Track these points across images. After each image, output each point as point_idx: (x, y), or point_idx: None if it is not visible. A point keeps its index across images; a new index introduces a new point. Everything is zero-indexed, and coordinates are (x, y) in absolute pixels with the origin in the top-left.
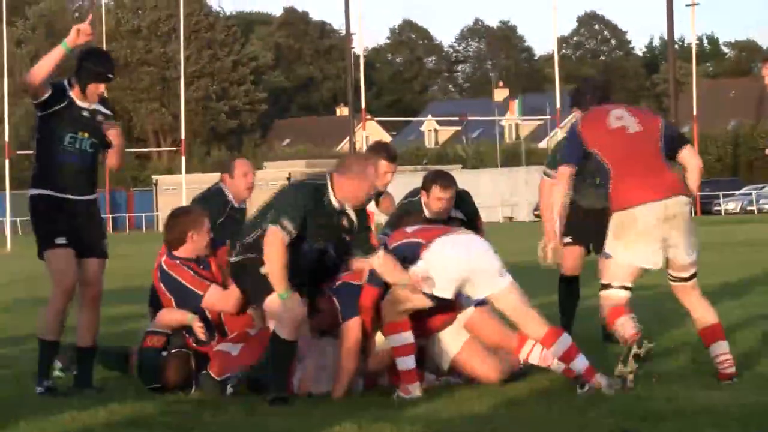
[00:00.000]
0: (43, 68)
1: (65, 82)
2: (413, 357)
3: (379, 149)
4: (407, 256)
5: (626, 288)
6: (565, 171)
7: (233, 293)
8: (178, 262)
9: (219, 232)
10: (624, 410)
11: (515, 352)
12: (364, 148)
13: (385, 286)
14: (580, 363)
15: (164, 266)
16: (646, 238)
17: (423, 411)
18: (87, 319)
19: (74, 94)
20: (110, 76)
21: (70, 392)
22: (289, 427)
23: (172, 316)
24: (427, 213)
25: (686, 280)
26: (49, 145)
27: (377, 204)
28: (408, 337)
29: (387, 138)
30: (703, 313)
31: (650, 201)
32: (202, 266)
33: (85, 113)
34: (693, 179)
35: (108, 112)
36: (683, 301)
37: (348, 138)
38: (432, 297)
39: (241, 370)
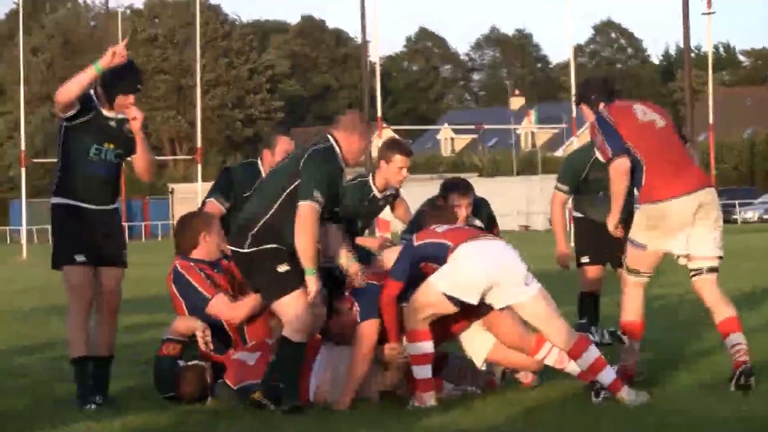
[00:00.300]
0: (73, 90)
1: (92, 93)
2: (430, 367)
3: (393, 144)
4: (433, 256)
5: (649, 276)
6: (625, 163)
7: (244, 305)
8: (191, 264)
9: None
10: (637, 421)
11: (532, 353)
12: None
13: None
14: (607, 375)
15: (178, 267)
16: (679, 230)
17: (439, 421)
18: (105, 329)
19: (101, 104)
20: (139, 87)
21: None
22: None
23: (184, 323)
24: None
25: (709, 271)
26: (74, 156)
27: (392, 209)
28: (428, 346)
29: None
30: (722, 306)
31: (683, 194)
32: (216, 270)
33: (112, 123)
34: None
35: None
36: (704, 295)
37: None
38: (456, 302)
39: (258, 379)
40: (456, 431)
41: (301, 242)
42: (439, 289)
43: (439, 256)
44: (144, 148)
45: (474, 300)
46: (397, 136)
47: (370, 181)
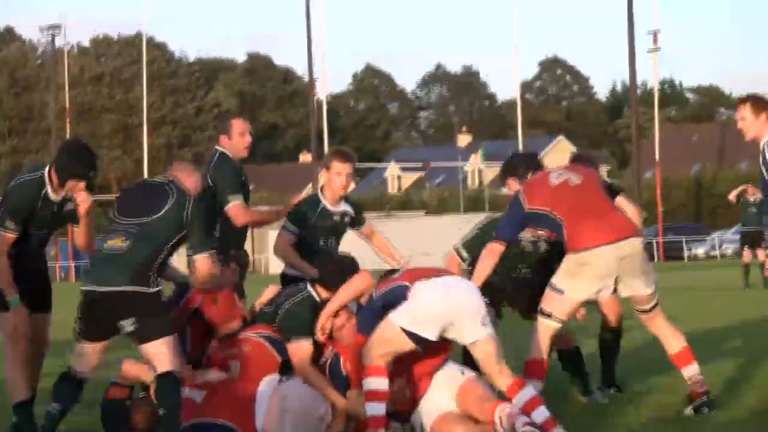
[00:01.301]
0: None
1: (45, 176)
2: (384, 404)
3: (330, 152)
4: (394, 300)
5: (563, 322)
6: (498, 248)
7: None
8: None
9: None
10: None
11: (491, 416)
12: None
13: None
14: (540, 414)
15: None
16: (599, 279)
17: None
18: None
19: (49, 187)
20: (92, 174)
21: None
22: None
23: (134, 369)
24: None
25: (650, 310)
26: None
27: (369, 239)
28: (382, 383)
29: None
30: (672, 339)
31: (604, 244)
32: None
33: (54, 208)
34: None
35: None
36: (652, 329)
37: (311, 184)
38: (415, 338)
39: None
40: None
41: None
42: (398, 324)
43: (399, 297)
44: (87, 228)
45: (432, 335)
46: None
47: (319, 195)
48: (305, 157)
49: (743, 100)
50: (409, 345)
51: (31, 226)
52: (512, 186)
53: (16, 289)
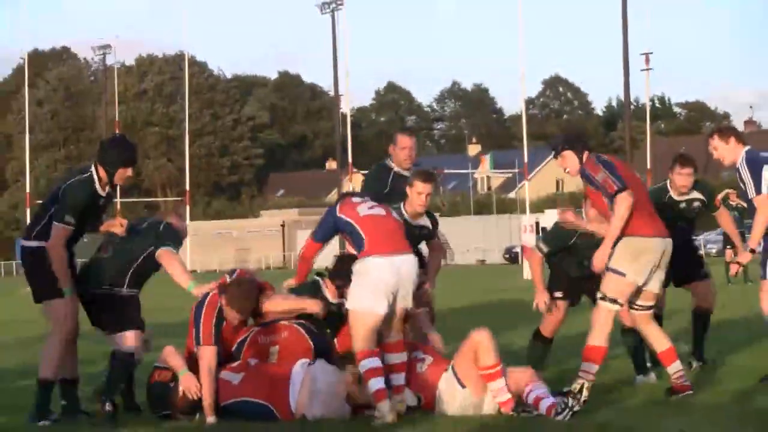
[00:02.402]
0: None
1: (93, 173)
2: (382, 378)
3: (415, 173)
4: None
5: (622, 305)
6: (629, 198)
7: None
8: (220, 302)
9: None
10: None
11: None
12: None
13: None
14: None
15: (208, 297)
16: (651, 267)
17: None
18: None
19: (97, 183)
20: (135, 160)
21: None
22: None
23: (173, 360)
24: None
25: (647, 309)
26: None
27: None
28: (374, 361)
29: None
30: (660, 339)
31: (659, 236)
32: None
33: (101, 202)
34: None
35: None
36: (642, 328)
37: (336, 189)
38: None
39: (241, 397)
40: None
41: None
42: (351, 309)
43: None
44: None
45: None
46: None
47: (401, 208)
48: (331, 165)
49: (711, 135)
50: (371, 320)
51: (82, 222)
52: (569, 158)
53: (71, 280)
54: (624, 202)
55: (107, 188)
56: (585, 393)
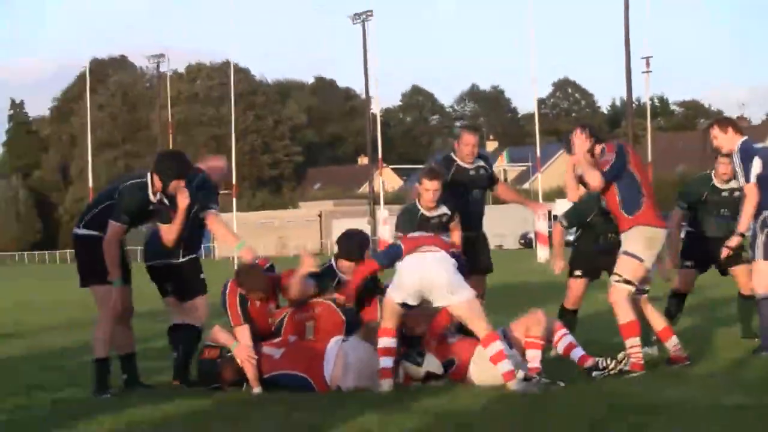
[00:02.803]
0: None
1: (148, 183)
2: (392, 359)
3: (422, 171)
4: (393, 256)
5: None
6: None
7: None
8: (239, 290)
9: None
10: (591, 404)
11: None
12: (381, 191)
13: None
14: (504, 366)
15: (228, 286)
16: (658, 253)
17: (429, 405)
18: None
19: (150, 189)
20: (188, 173)
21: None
22: (324, 418)
23: (222, 336)
24: (422, 208)
25: (645, 292)
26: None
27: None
28: (391, 342)
29: (399, 182)
30: (657, 319)
31: (663, 227)
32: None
33: (151, 206)
34: None
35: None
36: (646, 310)
37: (368, 182)
38: (402, 304)
39: (283, 370)
40: (442, 413)
41: None
42: (389, 296)
43: (396, 255)
44: (179, 224)
45: (412, 301)
46: (402, 180)
47: (417, 204)
48: (362, 160)
49: (710, 125)
50: (399, 307)
51: (135, 221)
52: (589, 143)
53: (121, 272)
54: (751, 191)
55: (158, 195)
56: (628, 362)
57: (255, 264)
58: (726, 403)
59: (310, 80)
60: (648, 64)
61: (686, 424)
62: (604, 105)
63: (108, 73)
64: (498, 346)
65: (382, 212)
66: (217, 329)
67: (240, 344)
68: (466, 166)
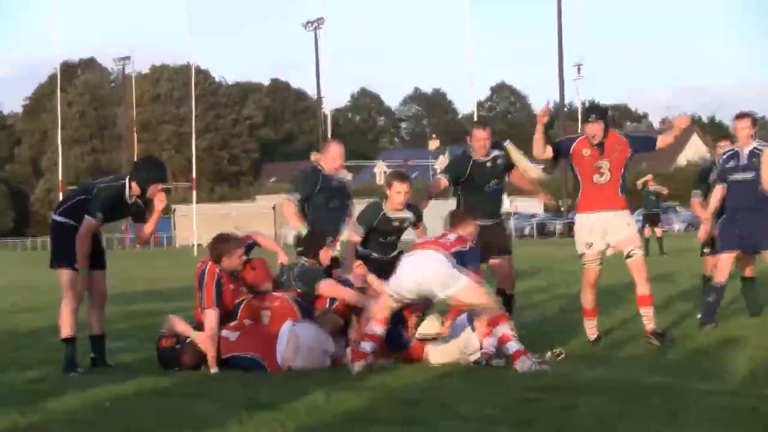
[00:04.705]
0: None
1: (126, 184)
2: (374, 344)
3: (391, 174)
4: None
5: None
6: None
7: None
8: (217, 270)
9: None
10: (524, 385)
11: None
12: None
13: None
14: (511, 347)
15: (207, 267)
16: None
17: (376, 383)
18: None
19: (127, 192)
20: (166, 178)
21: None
22: (277, 395)
23: (180, 326)
24: (387, 208)
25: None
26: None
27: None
28: (379, 329)
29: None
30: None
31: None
32: (233, 278)
33: (126, 206)
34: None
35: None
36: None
37: None
38: (398, 298)
39: (238, 352)
40: (388, 389)
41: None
42: (388, 290)
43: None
44: (153, 223)
45: (409, 296)
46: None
47: (382, 204)
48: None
49: (721, 137)
50: (396, 302)
51: (109, 218)
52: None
53: (93, 261)
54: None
55: (134, 198)
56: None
57: (231, 235)
58: (645, 382)
59: (267, 82)
60: (579, 71)
61: (610, 400)
62: (538, 108)
63: (77, 73)
64: (505, 328)
65: None
66: (174, 319)
67: (198, 334)
68: (482, 160)
